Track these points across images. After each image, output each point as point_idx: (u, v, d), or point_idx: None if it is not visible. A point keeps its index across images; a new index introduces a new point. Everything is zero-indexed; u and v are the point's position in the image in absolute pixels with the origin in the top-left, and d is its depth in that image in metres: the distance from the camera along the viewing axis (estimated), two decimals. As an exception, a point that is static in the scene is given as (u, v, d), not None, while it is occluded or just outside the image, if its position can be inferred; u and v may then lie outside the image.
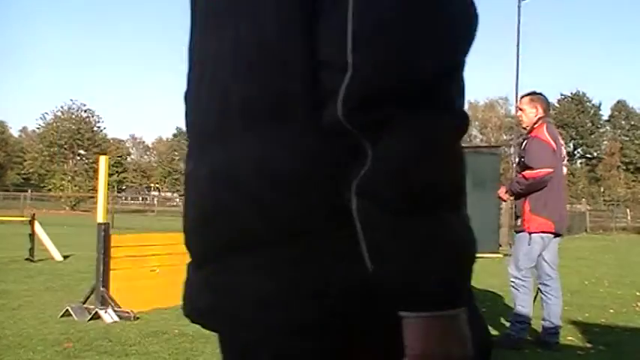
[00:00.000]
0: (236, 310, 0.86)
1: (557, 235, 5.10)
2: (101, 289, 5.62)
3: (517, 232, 5.28)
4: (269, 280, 0.82)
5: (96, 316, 5.41)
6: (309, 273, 0.80)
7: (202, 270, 0.94)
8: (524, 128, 5.28)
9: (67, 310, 5.49)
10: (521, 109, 5.27)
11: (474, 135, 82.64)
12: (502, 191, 5.41)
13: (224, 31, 0.88)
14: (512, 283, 5.11)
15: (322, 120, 0.75)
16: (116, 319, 5.41)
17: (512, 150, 32.05)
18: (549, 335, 4.97)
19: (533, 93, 5.38)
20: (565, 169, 5.45)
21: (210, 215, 0.90)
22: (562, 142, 5.40)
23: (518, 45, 23.62)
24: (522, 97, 5.48)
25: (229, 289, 0.87)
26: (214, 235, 0.89)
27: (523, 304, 5.02)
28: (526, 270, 5.04)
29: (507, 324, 5.82)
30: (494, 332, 4.86)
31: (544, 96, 5.33)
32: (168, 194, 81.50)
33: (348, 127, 0.73)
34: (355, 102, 0.72)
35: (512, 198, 5.31)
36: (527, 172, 4.93)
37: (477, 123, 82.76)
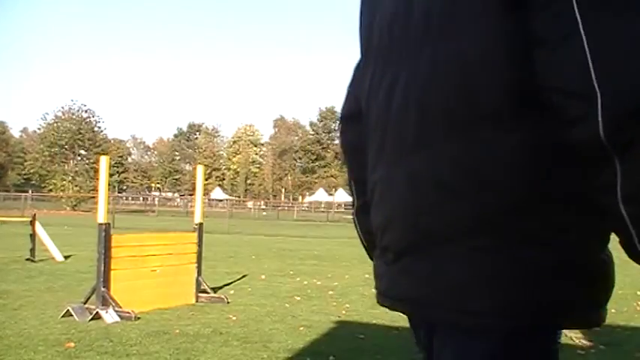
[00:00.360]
0: (436, 296, 0.98)
1: None
2: (102, 289, 5.62)
3: None
4: (468, 268, 0.94)
5: (97, 317, 5.41)
6: (504, 261, 0.92)
7: (400, 262, 1.06)
8: None
9: (68, 310, 5.49)
10: None
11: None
12: None
13: (419, 56, 1.00)
14: None
15: (568, 136, 0.87)
16: (117, 319, 5.41)
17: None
18: None
19: None
20: None
21: (410, 213, 1.02)
22: None
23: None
24: None
25: (430, 277, 0.99)
26: (415, 229, 1.01)
27: None
28: None
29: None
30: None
31: None
32: (169, 194, 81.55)
33: (607, 145, 0.83)
34: (614, 124, 0.82)
35: None
36: None
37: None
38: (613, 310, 6.86)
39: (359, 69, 1.27)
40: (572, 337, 5.31)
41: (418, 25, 1.01)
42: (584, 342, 5.18)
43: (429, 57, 0.99)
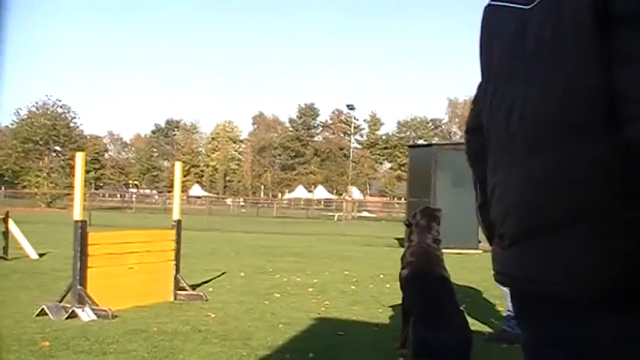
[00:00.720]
0: (545, 274, 1.22)
1: None
2: (78, 287, 5.54)
3: None
4: (569, 251, 1.17)
5: (73, 315, 5.33)
6: (607, 246, 1.13)
7: (513, 246, 1.31)
8: None
9: (43, 309, 5.40)
10: None
11: (454, 132, 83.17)
12: None
13: (532, 79, 1.27)
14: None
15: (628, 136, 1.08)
16: (94, 317, 5.34)
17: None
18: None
19: None
20: None
21: (522, 207, 1.28)
22: None
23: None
24: None
25: (538, 259, 1.24)
26: (526, 220, 1.26)
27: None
28: None
29: (487, 318, 5.86)
30: (474, 327, 4.89)
31: None
32: (147, 191, 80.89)
33: None
34: None
35: None
36: None
37: (456, 120, 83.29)
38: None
39: (480, 89, 1.54)
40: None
41: (531, 55, 1.27)
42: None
43: (541, 80, 1.25)
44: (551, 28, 1.23)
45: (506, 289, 5.10)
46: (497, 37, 1.42)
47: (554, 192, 1.21)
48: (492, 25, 1.46)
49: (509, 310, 5.08)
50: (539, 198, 1.24)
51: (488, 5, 1.48)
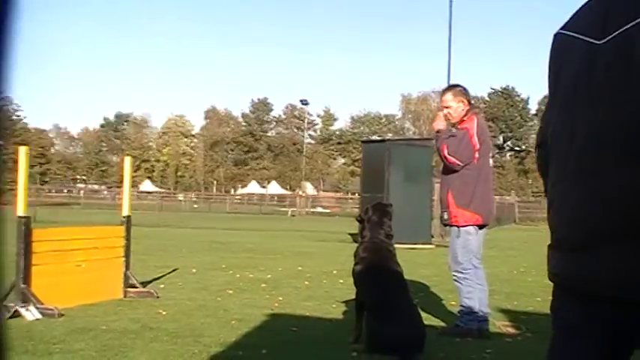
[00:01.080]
0: (610, 279, 1.41)
1: (483, 226, 5.20)
2: (22, 285, 5.34)
3: (445, 225, 5.36)
4: (624, 259, 1.38)
5: (16, 314, 5.14)
6: None
7: (573, 252, 1.50)
8: (454, 124, 5.27)
9: (-15, 308, 5.20)
10: (446, 107, 5.22)
11: (407, 127, 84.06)
12: (437, 123, 5.36)
13: (598, 104, 1.45)
14: (455, 277, 5.17)
15: None
16: (39, 316, 5.16)
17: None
18: (481, 322, 5.08)
19: (452, 87, 5.42)
20: (492, 162, 5.51)
21: (583, 219, 1.46)
22: (489, 134, 5.48)
23: (449, 39, 24.14)
24: (443, 93, 5.41)
25: (596, 263, 1.44)
26: (587, 231, 1.46)
27: (468, 296, 5.08)
28: (466, 262, 5.10)
29: (439, 311, 5.92)
30: (427, 322, 4.92)
31: (463, 87, 5.35)
32: (95, 186, 79.14)
33: None
34: None
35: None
36: (447, 152, 5.06)
37: (410, 116, 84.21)
38: (539, 299, 7.09)
39: (547, 108, 1.75)
40: (500, 325, 5.44)
41: (599, 84, 1.44)
42: (512, 330, 5.32)
43: (607, 107, 1.42)
44: (621, 64, 1.40)
45: (457, 285, 5.18)
46: (567, 64, 1.60)
47: (618, 206, 1.39)
48: (563, 52, 1.64)
49: (462, 306, 5.14)
50: (604, 211, 1.42)
51: (560, 33, 1.66)
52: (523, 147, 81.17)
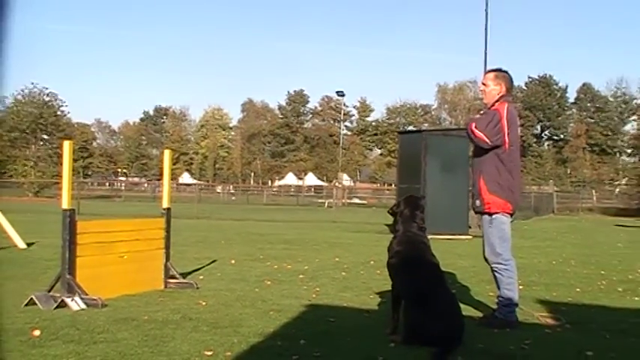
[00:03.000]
0: None
1: (511, 215, 5.20)
2: (67, 276, 5.50)
3: (477, 212, 5.33)
4: None
5: (62, 304, 5.29)
6: None
7: None
8: (485, 104, 5.31)
9: (32, 298, 5.36)
10: (484, 84, 5.28)
11: (443, 118, 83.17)
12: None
13: None
14: (495, 268, 5.13)
15: None
16: (83, 306, 5.30)
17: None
18: (509, 313, 5.07)
19: (499, 70, 5.38)
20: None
21: None
22: (518, 125, 5.43)
23: (486, 28, 23.74)
24: (487, 72, 5.46)
25: None
26: None
27: (508, 287, 5.05)
28: (505, 253, 5.07)
29: (478, 303, 5.89)
30: (465, 312, 4.91)
31: (509, 74, 5.30)
32: (136, 179, 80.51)
33: None
34: None
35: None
36: (474, 126, 5.05)
37: (446, 106, 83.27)
38: (578, 290, 7.00)
39: None
40: (538, 316, 5.38)
41: None
42: (551, 321, 5.26)
43: None
44: None
45: (497, 276, 5.14)
46: None
47: None
48: None
49: (501, 297, 5.10)
50: None
51: None
52: (561, 136, 79.53)
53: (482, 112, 5.33)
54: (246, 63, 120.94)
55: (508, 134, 5.03)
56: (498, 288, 5.14)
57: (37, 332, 4.41)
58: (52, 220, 14.40)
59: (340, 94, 63.58)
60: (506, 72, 5.32)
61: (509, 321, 4.97)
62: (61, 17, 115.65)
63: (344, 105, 78.83)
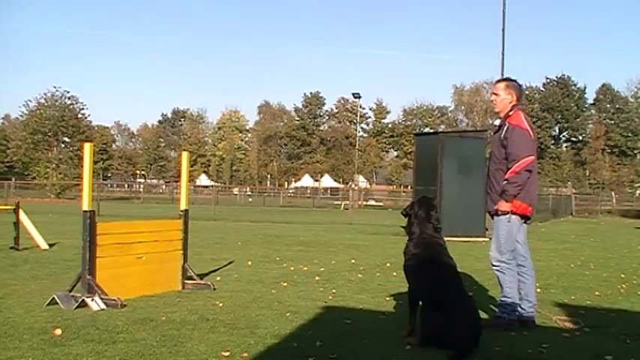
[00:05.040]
0: None
1: (528, 218, 5.23)
2: (87, 277, 5.58)
3: (493, 215, 5.33)
4: None
5: (82, 304, 5.37)
6: None
7: None
8: (497, 113, 5.41)
9: (54, 298, 5.45)
10: (495, 94, 5.35)
11: (460, 119, 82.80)
12: (504, 206, 5.08)
13: None
14: (497, 267, 5.18)
15: None
16: (103, 306, 5.38)
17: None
18: (529, 314, 5.09)
19: (508, 79, 5.45)
20: None
21: None
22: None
23: (503, 29, 23.64)
24: (497, 82, 5.54)
25: None
26: None
27: (510, 287, 5.10)
28: (509, 253, 5.13)
29: (494, 305, 5.87)
30: (483, 315, 4.91)
31: (518, 83, 5.41)
32: (154, 181, 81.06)
33: None
34: None
35: (511, 203, 5.05)
36: (511, 168, 5.01)
37: (462, 107, 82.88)
38: (597, 293, 6.94)
39: None
40: (556, 320, 5.36)
41: None
42: (569, 325, 5.23)
43: None
44: None
45: (501, 276, 5.16)
46: None
47: None
48: None
49: (505, 297, 5.14)
50: None
51: None
52: (580, 137, 78.78)
53: (496, 123, 5.43)
54: (263, 65, 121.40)
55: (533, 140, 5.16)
56: (501, 288, 5.18)
57: (58, 331, 4.49)
58: (72, 222, 14.58)
59: (356, 95, 63.49)
60: (515, 81, 5.40)
61: (513, 320, 5.03)
62: (82, 22, 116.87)
63: (360, 107, 78.73)
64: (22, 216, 10.62)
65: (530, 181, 5.10)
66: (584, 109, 78.71)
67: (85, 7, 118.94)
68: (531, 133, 5.14)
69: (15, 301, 5.68)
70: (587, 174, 75.10)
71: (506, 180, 5.04)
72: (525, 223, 5.25)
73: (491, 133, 5.72)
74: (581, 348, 4.49)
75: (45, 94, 52.83)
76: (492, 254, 5.22)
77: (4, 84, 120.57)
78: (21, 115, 55.28)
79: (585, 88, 78.51)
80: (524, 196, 5.07)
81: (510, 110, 5.21)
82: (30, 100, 53.38)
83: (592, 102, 79.21)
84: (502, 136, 5.16)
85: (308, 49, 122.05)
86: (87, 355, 3.95)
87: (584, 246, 13.74)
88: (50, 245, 10.56)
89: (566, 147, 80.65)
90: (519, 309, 5.12)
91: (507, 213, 5.09)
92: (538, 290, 6.86)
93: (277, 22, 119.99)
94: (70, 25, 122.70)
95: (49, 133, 51.52)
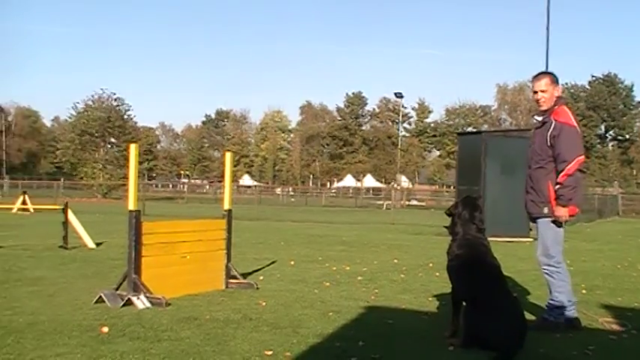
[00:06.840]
0: None
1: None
2: (133, 275, 5.70)
3: (538, 218, 5.15)
4: None
5: (128, 303, 5.49)
6: None
7: None
8: (544, 110, 5.13)
9: (101, 296, 5.58)
10: (542, 91, 5.09)
11: (504, 119, 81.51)
12: (561, 211, 4.93)
13: None
14: (546, 271, 5.07)
15: None
16: (148, 305, 5.48)
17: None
18: (570, 312, 5.01)
19: (550, 73, 5.25)
20: None
21: None
22: None
23: (547, 27, 23.18)
24: (538, 78, 5.19)
25: None
26: None
27: (560, 290, 4.99)
28: (558, 255, 5.02)
29: (539, 307, 5.77)
30: (529, 317, 4.82)
31: (555, 75, 5.24)
32: (198, 181, 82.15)
33: None
34: None
35: (568, 208, 4.92)
36: (563, 171, 4.86)
37: (506, 106, 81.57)
38: (646, 295, 6.75)
39: None
40: (603, 322, 5.24)
41: None
42: (616, 327, 5.11)
43: None
44: None
45: (550, 280, 5.05)
46: None
47: None
48: None
49: (552, 300, 5.04)
50: None
51: None
52: (627, 136, 76.64)
53: (536, 118, 5.23)
54: (305, 66, 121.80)
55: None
56: (550, 290, 5.08)
57: (105, 329, 4.60)
58: (118, 221, 14.91)
59: (398, 95, 63.16)
60: (552, 73, 5.26)
61: (560, 323, 4.93)
62: (129, 26, 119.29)
63: (402, 106, 78.33)
64: (71, 216, 10.90)
65: (580, 182, 5.02)
66: (631, 107, 76.62)
67: (131, 12, 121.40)
68: (579, 129, 5.04)
69: (64, 299, 5.84)
70: (635, 173, 73.03)
71: (559, 184, 4.89)
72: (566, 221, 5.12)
73: (533, 130, 5.50)
74: (627, 351, 4.38)
75: (92, 96, 53.95)
76: (540, 258, 5.12)
77: (54, 86, 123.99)
78: (69, 117, 56.65)
79: (633, 86, 76.47)
80: (577, 199, 4.97)
81: (555, 105, 5.04)
82: (78, 102, 54.64)
83: (639, 100, 77.00)
84: (549, 134, 4.96)
85: (350, 50, 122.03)
86: (133, 352, 4.04)
87: (631, 247, 13.37)
88: (97, 244, 10.81)
89: (612, 146, 78.64)
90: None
91: (566, 220, 4.97)
92: (583, 292, 6.73)
93: (319, 24, 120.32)
94: (117, 29, 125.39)
95: (96, 135, 52.65)
